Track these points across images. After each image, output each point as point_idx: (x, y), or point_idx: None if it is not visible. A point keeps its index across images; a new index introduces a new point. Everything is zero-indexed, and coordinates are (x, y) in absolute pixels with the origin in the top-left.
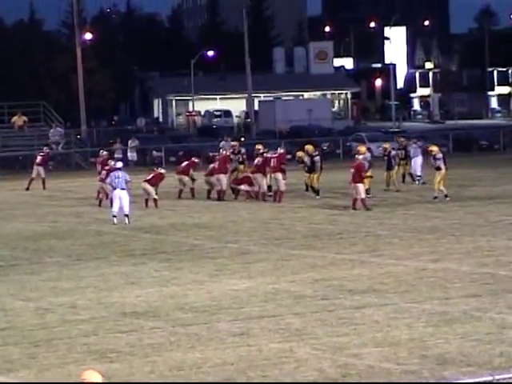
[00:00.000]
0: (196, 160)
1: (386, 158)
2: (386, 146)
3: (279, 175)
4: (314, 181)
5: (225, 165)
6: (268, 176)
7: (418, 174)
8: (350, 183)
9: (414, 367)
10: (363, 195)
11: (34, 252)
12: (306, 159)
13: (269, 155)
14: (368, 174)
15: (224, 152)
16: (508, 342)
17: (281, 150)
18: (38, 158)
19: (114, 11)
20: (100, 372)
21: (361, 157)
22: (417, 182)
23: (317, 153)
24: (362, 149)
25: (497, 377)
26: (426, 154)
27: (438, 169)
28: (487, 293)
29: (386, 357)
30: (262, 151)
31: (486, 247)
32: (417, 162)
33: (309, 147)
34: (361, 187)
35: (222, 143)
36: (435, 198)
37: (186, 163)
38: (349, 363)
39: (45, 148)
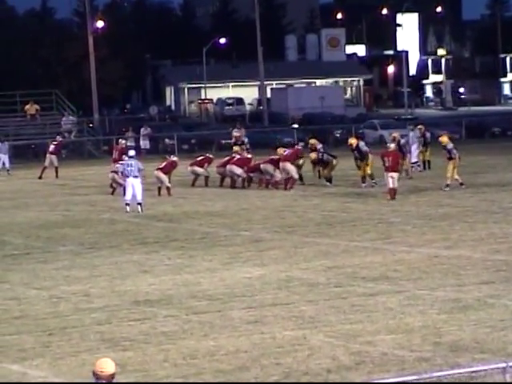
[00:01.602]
0: (211, 156)
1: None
2: (395, 134)
3: (288, 164)
4: (324, 172)
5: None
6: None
7: (414, 160)
8: (385, 171)
9: (428, 354)
10: (396, 184)
11: (47, 240)
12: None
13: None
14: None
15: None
16: None
17: (298, 147)
18: (51, 147)
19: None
20: (114, 360)
21: (393, 145)
22: (418, 169)
23: (320, 146)
24: (445, 139)
25: (510, 363)
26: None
27: (450, 158)
28: (500, 279)
29: (400, 344)
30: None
31: (499, 234)
32: (414, 149)
33: (312, 141)
34: (396, 176)
35: (235, 131)
36: (447, 186)
37: (201, 158)
38: (362, 350)
39: (57, 137)
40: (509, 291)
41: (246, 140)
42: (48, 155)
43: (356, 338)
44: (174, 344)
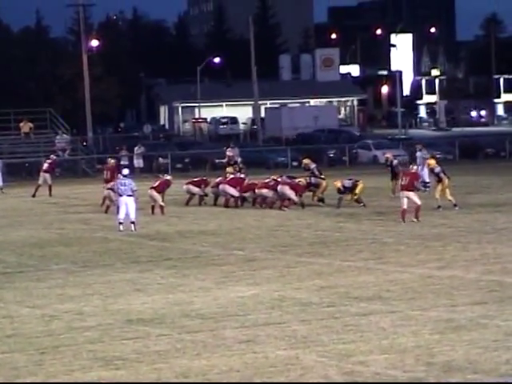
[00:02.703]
0: (208, 180)
1: (389, 167)
2: (388, 155)
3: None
4: (316, 194)
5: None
6: None
7: (426, 180)
8: (401, 191)
9: (421, 374)
10: (419, 202)
11: (41, 259)
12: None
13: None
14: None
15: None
16: None
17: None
18: (45, 165)
19: (121, 18)
20: (106, 378)
21: (415, 167)
22: (423, 189)
23: (314, 166)
24: (432, 162)
25: None
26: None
27: (439, 181)
28: (493, 300)
29: (393, 364)
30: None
31: (492, 254)
32: (424, 170)
33: (305, 161)
34: (412, 195)
35: (229, 150)
36: (439, 207)
37: (198, 179)
38: (355, 370)
39: (52, 155)
40: (502, 312)
41: (239, 160)
42: (42, 173)
43: (349, 357)
44: (166, 363)
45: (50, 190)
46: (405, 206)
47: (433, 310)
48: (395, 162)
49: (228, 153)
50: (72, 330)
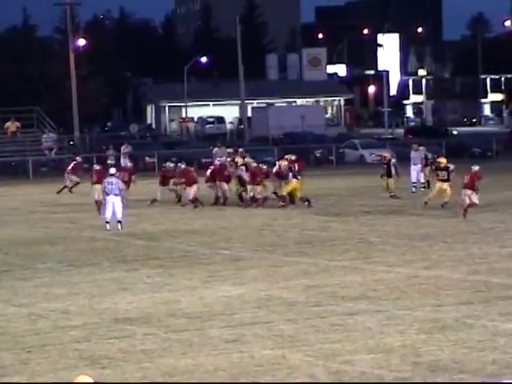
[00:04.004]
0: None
1: (385, 166)
2: (386, 154)
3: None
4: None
5: (223, 172)
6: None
7: (422, 181)
8: (464, 189)
9: (407, 374)
10: (477, 201)
11: (27, 258)
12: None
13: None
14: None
15: (222, 159)
16: (500, 350)
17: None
18: (70, 166)
19: (108, 17)
20: (92, 378)
21: (477, 167)
22: (413, 189)
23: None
24: (443, 160)
25: None
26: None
27: (447, 180)
28: (479, 300)
29: (379, 363)
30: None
31: (478, 254)
32: (417, 169)
33: (282, 162)
34: (471, 194)
35: (215, 150)
36: (445, 203)
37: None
38: (341, 370)
39: (77, 157)
40: (487, 312)
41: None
42: (67, 175)
43: (335, 357)
44: (152, 362)
45: (72, 188)
46: (466, 203)
47: (419, 309)
48: (393, 160)
49: (216, 151)
50: (58, 329)
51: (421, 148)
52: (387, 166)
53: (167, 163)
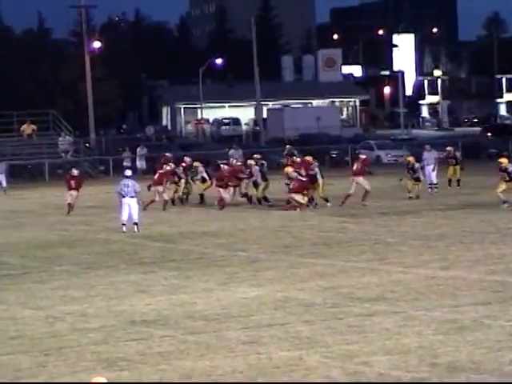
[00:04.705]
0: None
1: (411, 171)
2: (410, 158)
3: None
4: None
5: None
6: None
7: (434, 181)
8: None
9: (424, 375)
10: None
11: (44, 260)
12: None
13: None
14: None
15: (234, 161)
16: None
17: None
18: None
19: (123, 20)
20: (109, 380)
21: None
22: (429, 190)
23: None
24: (505, 160)
25: None
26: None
27: (510, 180)
28: (497, 300)
29: (396, 365)
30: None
31: (495, 255)
32: (430, 170)
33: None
34: None
35: (231, 151)
36: (504, 202)
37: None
38: (358, 371)
39: (74, 170)
40: (505, 312)
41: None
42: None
43: (352, 358)
44: (170, 364)
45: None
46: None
47: (436, 310)
48: (417, 165)
49: (232, 153)
50: (75, 331)
51: (449, 148)
52: (413, 171)
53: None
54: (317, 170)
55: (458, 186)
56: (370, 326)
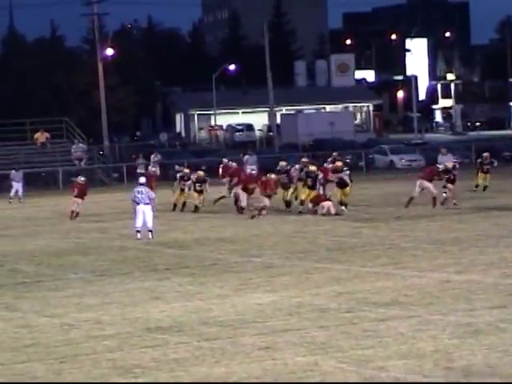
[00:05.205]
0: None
1: (449, 175)
2: (449, 163)
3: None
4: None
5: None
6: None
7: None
8: None
9: (440, 379)
10: None
11: (58, 268)
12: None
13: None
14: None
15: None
16: None
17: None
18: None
19: (135, 26)
20: None
21: None
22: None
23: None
24: None
25: None
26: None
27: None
28: None
29: (412, 369)
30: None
31: (510, 258)
32: None
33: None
34: None
35: (246, 157)
36: None
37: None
38: (374, 376)
39: (80, 178)
40: None
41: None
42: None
43: (368, 363)
44: (185, 371)
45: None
46: None
47: (451, 314)
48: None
49: (247, 159)
50: (91, 338)
51: (485, 155)
52: (454, 176)
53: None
54: (347, 174)
55: (484, 191)
56: (385, 331)
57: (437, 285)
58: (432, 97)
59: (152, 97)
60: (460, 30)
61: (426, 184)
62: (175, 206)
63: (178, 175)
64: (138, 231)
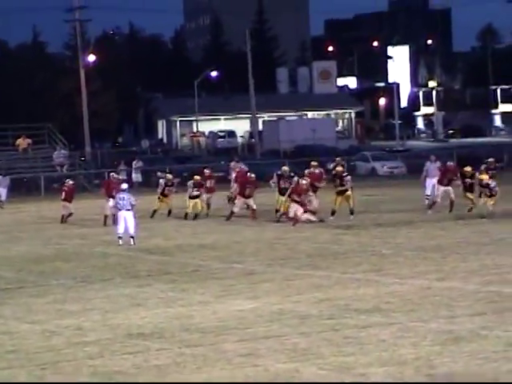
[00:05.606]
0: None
1: (468, 182)
2: (468, 168)
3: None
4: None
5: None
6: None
7: (429, 193)
8: None
9: None
10: None
11: (40, 274)
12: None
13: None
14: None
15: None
16: None
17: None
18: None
19: (117, 33)
20: None
21: None
22: (426, 202)
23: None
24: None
25: None
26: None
27: (491, 196)
28: (493, 311)
29: (393, 376)
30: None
31: (490, 265)
32: (433, 182)
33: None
34: None
35: (233, 163)
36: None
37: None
38: (355, 382)
39: (68, 181)
40: (501, 322)
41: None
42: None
43: (349, 370)
44: (166, 377)
45: (68, 216)
46: None
47: (432, 321)
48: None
49: (233, 165)
50: (72, 345)
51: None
52: (471, 183)
53: (112, 174)
54: (349, 181)
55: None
56: (367, 338)
57: (418, 292)
58: (414, 104)
59: (134, 103)
60: (442, 37)
61: (448, 188)
62: (155, 212)
63: (162, 181)
64: (119, 237)
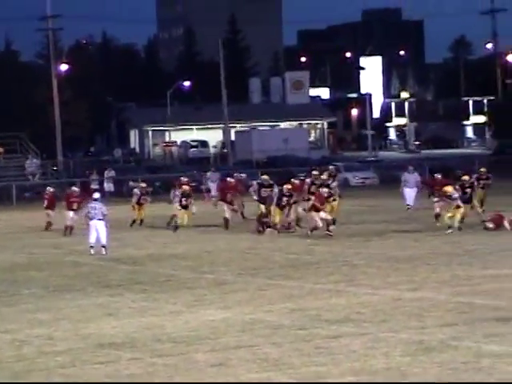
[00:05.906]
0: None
1: (468, 191)
2: (467, 177)
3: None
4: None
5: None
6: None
7: (412, 204)
8: None
9: None
10: None
11: (11, 284)
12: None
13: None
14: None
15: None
16: (485, 371)
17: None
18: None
19: (91, 42)
20: None
21: None
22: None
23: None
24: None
25: None
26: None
27: (458, 207)
28: (463, 322)
29: None
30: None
31: (462, 276)
32: (410, 192)
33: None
34: None
35: (209, 173)
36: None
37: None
38: (335, 382)
39: (49, 188)
40: (472, 333)
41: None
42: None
43: (320, 380)
44: None
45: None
46: None
47: (403, 331)
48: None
49: (209, 175)
50: (43, 354)
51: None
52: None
53: (72, 187)
54: (334, 186)
55: (482, 206)
56: (338, 348)
57: (389, 302)
58: (386, 115)
59: (106, 112)
60: (414, 48)
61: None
62: (134, 221)
63: (138, 190)
64: (91, 247)
